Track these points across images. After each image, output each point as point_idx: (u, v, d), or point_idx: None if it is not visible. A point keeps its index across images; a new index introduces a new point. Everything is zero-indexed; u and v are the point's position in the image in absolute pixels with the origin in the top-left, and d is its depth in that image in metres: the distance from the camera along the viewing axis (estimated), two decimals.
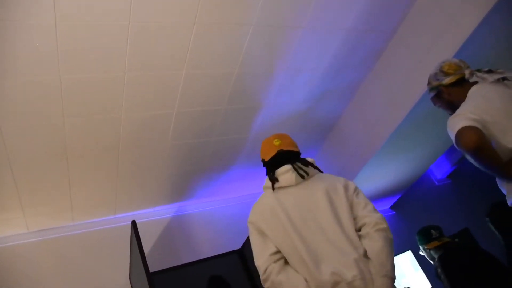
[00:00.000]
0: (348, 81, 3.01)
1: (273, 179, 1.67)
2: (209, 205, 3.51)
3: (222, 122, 2.79)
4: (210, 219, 3.42)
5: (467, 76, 1.76)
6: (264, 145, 1.83)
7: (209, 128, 2.80)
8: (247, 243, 2.89)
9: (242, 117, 2.85)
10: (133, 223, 2.52)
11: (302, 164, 1.69)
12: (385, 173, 3.48)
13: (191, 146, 2.85)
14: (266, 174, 1.76)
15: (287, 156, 1.73)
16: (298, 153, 1.78)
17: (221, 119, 2.77)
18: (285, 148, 1.75)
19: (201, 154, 2.98)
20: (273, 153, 1.75)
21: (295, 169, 1.65)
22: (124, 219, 3.11)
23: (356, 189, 1.66)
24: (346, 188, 1.64)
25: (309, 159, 1.74)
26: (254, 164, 3.27)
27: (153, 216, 3.23)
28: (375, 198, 3.94)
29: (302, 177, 1.64)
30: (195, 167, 3.08)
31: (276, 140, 1.78)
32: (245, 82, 2.58)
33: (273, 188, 1.66)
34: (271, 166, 1.74)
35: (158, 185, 3.05)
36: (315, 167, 1.73)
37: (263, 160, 1.81)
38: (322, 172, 1.76)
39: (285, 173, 1.67)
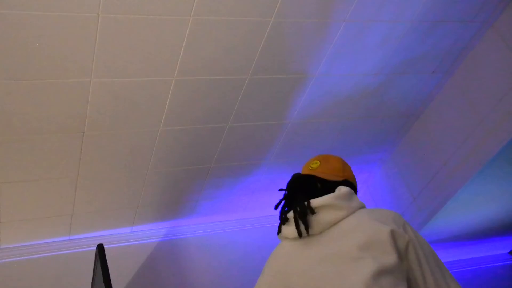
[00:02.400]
0: (448, 44, 2.84)
1: (279, 227, 1.83)
2: (215, 228, 3.47)
3: (245, 99, 2.70)
4: (216, 249, 3.37)
5: None
6: None
7: (224, 108, 2.71)
8: None
9: (276, 94, 2.75)
10: (100, 248, 2.53)
11: (307, 209, 1.71)
12: (500, 197, 3.30)
13: (194, 134, 2.79)
14: None
15: (302, 186, 1.83)
16: (327, 183, 1.81)
17: (243, 94, 2.66)
18: (313, 173, 1.84)
19: (208, 148, 2.91)
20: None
21: (295, 220, 1.72)
22: (84, 242, 3.06)
23: (409, 243, 1.56)
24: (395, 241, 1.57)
25: (343, 190, 1.72)
26: (290, 168, 3.18)
27: (130, 241, 3.21)
28: (481, 237, 3.78)
29: (300, 234, 1.71)
30: (198, 167, 3.01)
31: (315, 161, 1.89)
32: (284, 39, 2.47)
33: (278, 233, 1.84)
34: (285, 203, 1.86)
35: (139, 193, 2.98)
36: (344, 207, 1.69)
37: None
38: (362, 206, 1.74)
39: (289, 221, 1.78)
